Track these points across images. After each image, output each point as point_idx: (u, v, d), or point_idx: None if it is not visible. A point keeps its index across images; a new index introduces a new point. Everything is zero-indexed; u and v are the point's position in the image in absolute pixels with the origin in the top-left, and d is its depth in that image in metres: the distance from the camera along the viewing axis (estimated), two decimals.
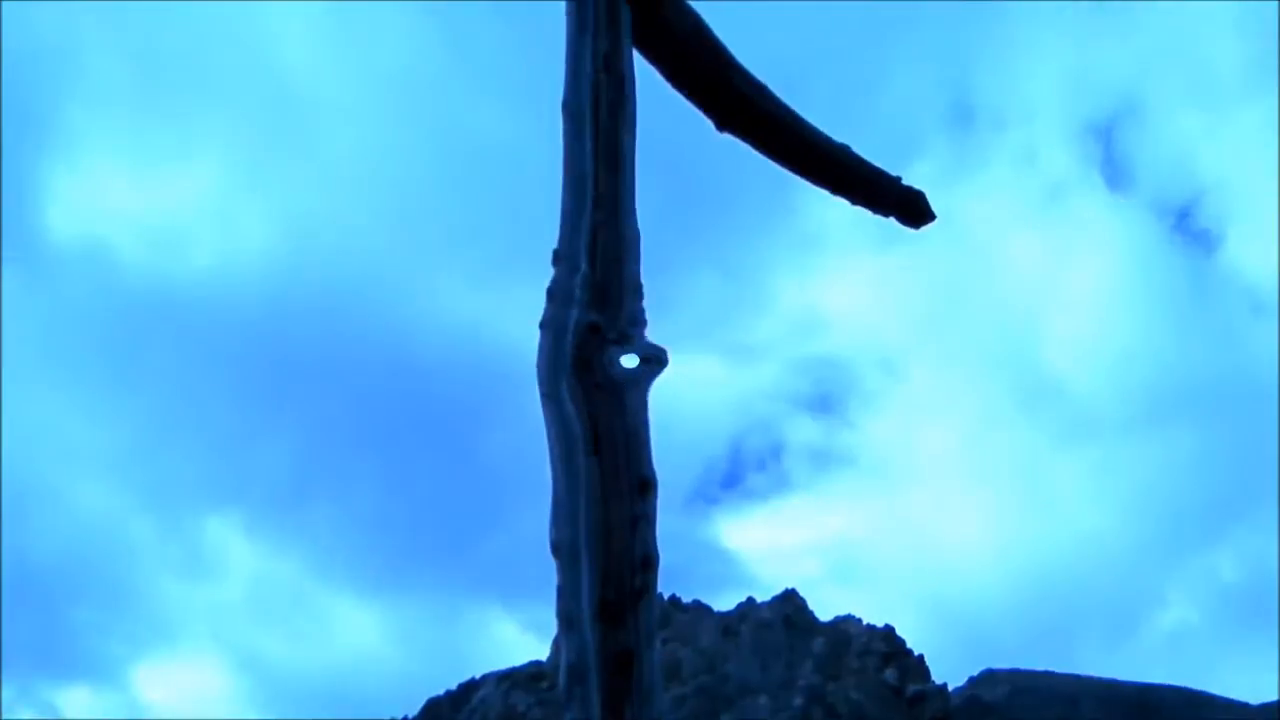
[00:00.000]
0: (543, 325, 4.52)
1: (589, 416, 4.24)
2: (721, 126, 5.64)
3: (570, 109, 4.90)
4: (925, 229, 6.25)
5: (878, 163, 6.01)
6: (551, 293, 4.55)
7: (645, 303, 4.59)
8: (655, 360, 4.48)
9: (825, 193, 5.97)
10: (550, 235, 4.70)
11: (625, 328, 4.49)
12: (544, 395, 4.37)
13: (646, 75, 5.36)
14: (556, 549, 4.20)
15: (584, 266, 4.54)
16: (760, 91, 5.64)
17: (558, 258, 4.63)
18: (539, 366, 4.45)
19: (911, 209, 6.14)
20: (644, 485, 4.22)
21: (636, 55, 5.20)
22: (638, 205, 4.82)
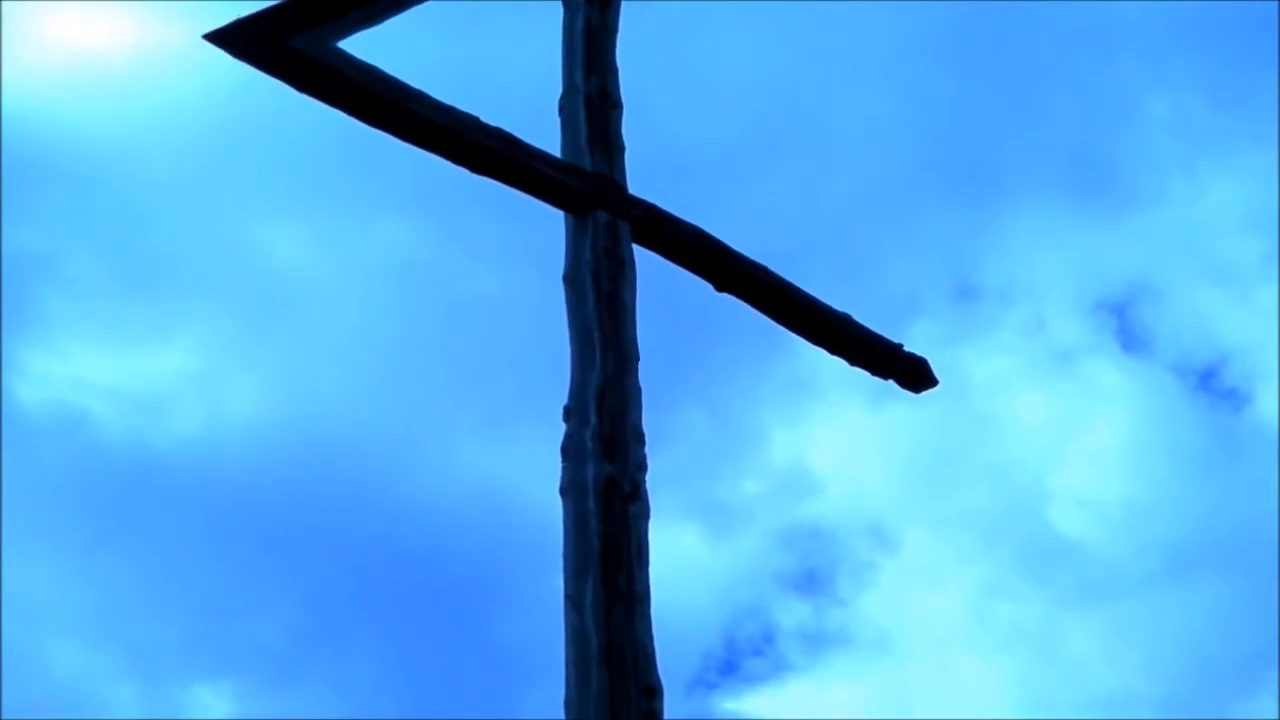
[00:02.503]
0: (563, 492, 4.77)
1: (606, 630, 4.45)
2: (721, 289, 5.91)
3: (571, 280, 5.30)
4: (926, 392, 6.29)
5: (879, 330, 6.12)
6: (566, 450, 4.86)
7: (646, 447, 4.98)
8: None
9: (823, 351, 6.09)
10: (556, 379, 5.11)
11: (634, 474, 4.84)
12: (567, 596, 4.56)
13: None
14: None
15: (594, 420, 4.88)
16: (762, 269, 5.89)
17: (568, 414, 4.97)
18: (565, 556, 4.62)
19: (912, 374, 6.30)
20: (650, 692, 4.44)
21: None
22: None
